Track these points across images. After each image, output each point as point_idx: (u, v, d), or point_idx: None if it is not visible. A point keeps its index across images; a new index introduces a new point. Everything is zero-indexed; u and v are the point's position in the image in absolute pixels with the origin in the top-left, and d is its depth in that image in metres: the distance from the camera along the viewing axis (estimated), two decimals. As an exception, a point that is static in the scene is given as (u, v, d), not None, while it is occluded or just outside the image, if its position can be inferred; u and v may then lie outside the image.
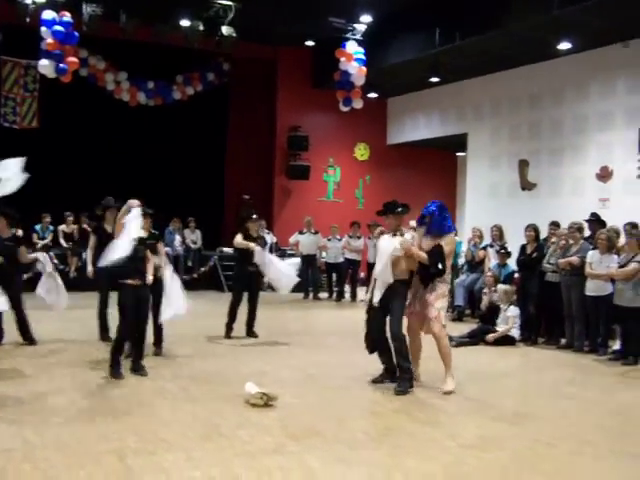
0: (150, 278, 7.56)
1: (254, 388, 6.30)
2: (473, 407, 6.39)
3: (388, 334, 6.92)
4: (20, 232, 13.15)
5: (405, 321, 6.98)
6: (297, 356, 8.59)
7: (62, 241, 15.10)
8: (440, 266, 6.74)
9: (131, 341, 7.37)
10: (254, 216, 10.21)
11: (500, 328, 9.91)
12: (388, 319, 6.87)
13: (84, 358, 7.97)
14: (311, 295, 15.44)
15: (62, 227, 15.20)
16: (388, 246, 6.83)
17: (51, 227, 14.99)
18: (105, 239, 7.95)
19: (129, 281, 7.16)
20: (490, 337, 9.79)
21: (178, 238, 16.42)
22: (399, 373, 6.88)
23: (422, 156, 19.10)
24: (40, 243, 14.38)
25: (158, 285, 8.18)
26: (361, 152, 19.10)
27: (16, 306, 8.73)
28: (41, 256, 9.16)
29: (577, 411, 6.42)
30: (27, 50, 13.83)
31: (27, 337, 8.84)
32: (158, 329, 8.38)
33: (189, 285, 15.62)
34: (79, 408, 5.92)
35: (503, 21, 12.28)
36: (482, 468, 4.77)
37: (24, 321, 8.87)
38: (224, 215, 18.30)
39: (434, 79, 16.08)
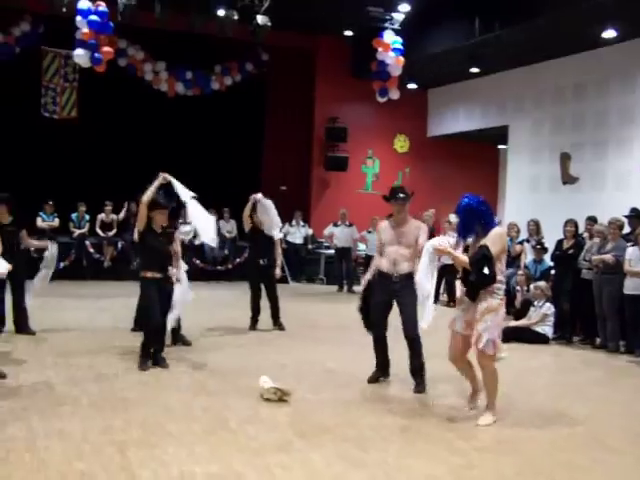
0: (174, 271, 7.52)
1: (268, 382, 6.18)
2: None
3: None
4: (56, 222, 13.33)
5: (448, 342, 5.86)
6: (320, 350, 8.44)
7: (99, 230, 15.19)
8: (486, 271, 5.32)
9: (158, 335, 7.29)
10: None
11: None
12: (401, 315, 6.64)
13: (106, 347, 7.96)
14: (345, 288, 15.27)
15: (101, 216, 15.29)
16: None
17: (87, 216, 15.09)
18: None
19: (149, 274, 7.10)
20: (512, 324, 9.57)
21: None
22: (418, 372, 6.66)
23: (463, 149, 18.71)
24: (46, 228, 14.13)
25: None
26: (401, 144, 18.84)
27: (17, 294, 8.61)
28: (51, 246, 8.94)
29: (603, 415, 6.12)
30: (67, 41, 13.91)
31: (22, 328, 8.60)
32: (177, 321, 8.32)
33: (224, 275, 15.75)
34: (90, 398, 5.87)
35: (545, 9, 11.88)
36: (492, 473, 4.57)
37: (22, 312, 8.65)
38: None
39: (474, 70, 15.74)
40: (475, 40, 13.46)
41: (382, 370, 6.94)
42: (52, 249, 8.89)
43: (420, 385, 6.59)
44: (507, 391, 6.75)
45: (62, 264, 14.34)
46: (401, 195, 6.63)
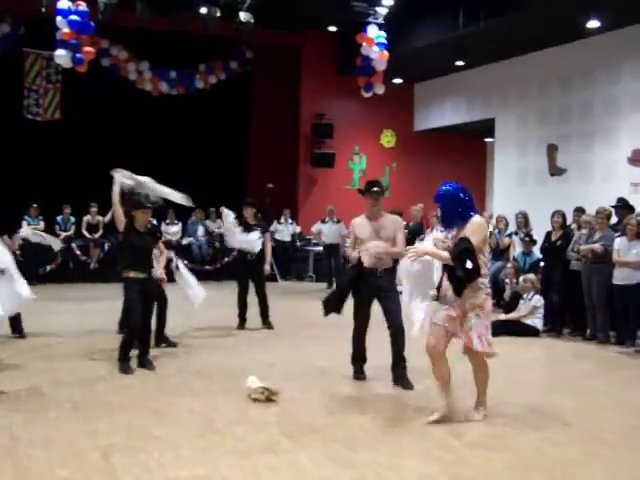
0: (159, 272, 7.42)
1: (256, 382, 6.09)
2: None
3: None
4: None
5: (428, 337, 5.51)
6: (310, 349, 8.37)
7: (85, 232, 15.06)
8: (470, 265, 5.06)
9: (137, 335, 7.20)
10: (246, 201, 10.09)
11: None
12: (385, 310, 6.62)
13: (92, 350, 7.85)
14: (334, 285, 15.17)
15: (86, 218, 15.15)
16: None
17: (73, 218, 14.96)
18: None
19: (132, 274, 7.00)
20: (502, 317, 9.54)
21: (202, 229, 16.33)
22: (402, 366, 6.60)
23: (450, 142, 18.67)
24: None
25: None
26: (387, 139, 18.78)
27: None
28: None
29: (595, 407, 6.05)
30: (49, 42, 13.76)
31: (18, 329, 8.58)
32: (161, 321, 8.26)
33: (212, 275, 15.61)
34: (75, 403, 5.76)
35: (528, 0, 11.83)
36: (485, 469, 4.49)
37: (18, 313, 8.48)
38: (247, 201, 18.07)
39: (459, 63, 15.67)
40: (459, 33, 13.40)
41: (362, 359, 6.89)
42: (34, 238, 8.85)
43: (401, 377, 6.54)
44: (498, 385, 6.69)
45: (48, 267, 14.29)
46: (375, 189, 6.67)
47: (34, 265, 13.11)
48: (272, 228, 15.78)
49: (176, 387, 6.38)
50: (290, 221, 16.90)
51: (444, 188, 5.43)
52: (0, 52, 15.06)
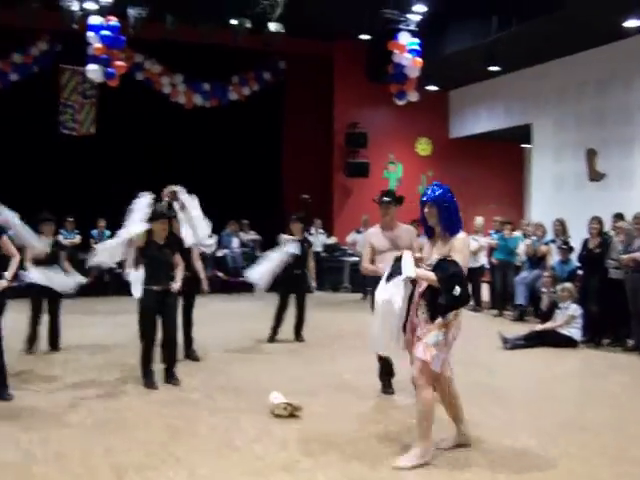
0: (177, 285, 7.29)
1: (279, 398, 5.96)
2: (516, 418, 5.87)
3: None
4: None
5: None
6: (339, 362, 8.19)
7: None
8: (457, 292, 4.52)
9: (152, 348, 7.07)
10: (293, 216, 9.92)
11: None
12: None
13: (119, 364, 7.80)
14: (369, 296, 14.98)
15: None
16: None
17: (107, 232, 15.04)
18: None
19: (150, 286, 6.91)
20: (539, 327, 9.26)
21: (236, 240, 16.31)
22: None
23: (486, 149, 18.36)
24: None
25: (192, 289, 8.03)
26: (423, 147, 18.55)
27: (55, 311, 8.71)
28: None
29: (630, 424, 5.78)
30: (84, 57, 13.91)
31: (54, 345, 8.69)
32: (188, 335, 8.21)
33: (245, 287, 15.51)
34: (95, 419, 5.70)
35: (562, 2, 11.53)
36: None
37: (57, 328, 8.76)
38: (284, 215, 18.02)
39: (494, 68, 15.39)
40: (493, 38, 13.15)
41: (389, 374, 6.74)
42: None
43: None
44: (530, 399, 6.48)
45: (85, 280, 14.36)
46: (385, 199, 6.59)
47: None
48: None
49: (198, 403, 6.28)
50: (321, 231, 16.76)
51: (440, 190, 4.81)
52: (38, 69, 15.33)
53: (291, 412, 5.83)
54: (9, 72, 14.94)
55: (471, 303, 13.02)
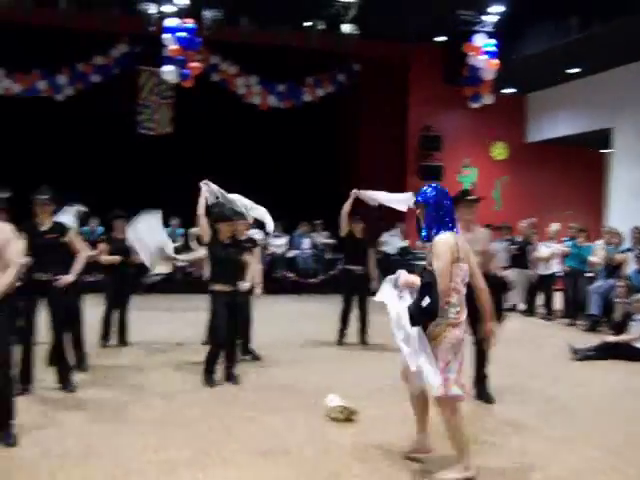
0: (245, 285, 7.37)
1: (335, 401, 5.92)
2: (579, 430, 5.67)
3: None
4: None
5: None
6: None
7: (192, 244, 15.34)
8: (426, 302, 4.35)
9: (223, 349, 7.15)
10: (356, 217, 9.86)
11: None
12: None
13: (182, 362, 7.91)
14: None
15: (194, 230, 15.44)
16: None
17: (180, 230, 15.30)
18: None
19: (217, 287, 6.99)
20: (611, 339, 8.92)
21: (307, 241, 16.36)
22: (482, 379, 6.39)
23: (564, 154, 17.80)
24: None
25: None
26: (498, 151, 18.15)
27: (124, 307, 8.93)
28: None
29: None
30: (161, 59, 14.22)
31: (123, 340, 8.92)
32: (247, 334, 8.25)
33: (315, 288, 15.56)
34: (153, 414, 5.80)
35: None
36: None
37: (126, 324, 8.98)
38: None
39: (573, 70, 14.96)
40: (572, 39, 12.76)
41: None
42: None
43: (484, 393, 6.37)
44: (600, 416, 6.23)
45: (156, 277, 14.69)
46: (473, 197, 6.38)
47: (141, 276, 13.48)
48: (383, 239, 15.92)
49: (255, 403, 6.29)
50: (401, 236, 16.59)
51: (434, 193, 4.60)
52: (118, 70, 15.75)
53: (347, 416, 5.78)
54: (90, 74, 15.39)
55: (543, 311, 12.73)
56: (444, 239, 4.48)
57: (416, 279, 4.63)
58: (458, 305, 4.48)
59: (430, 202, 4.57)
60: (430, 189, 4.64)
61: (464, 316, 4.53)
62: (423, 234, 4.63)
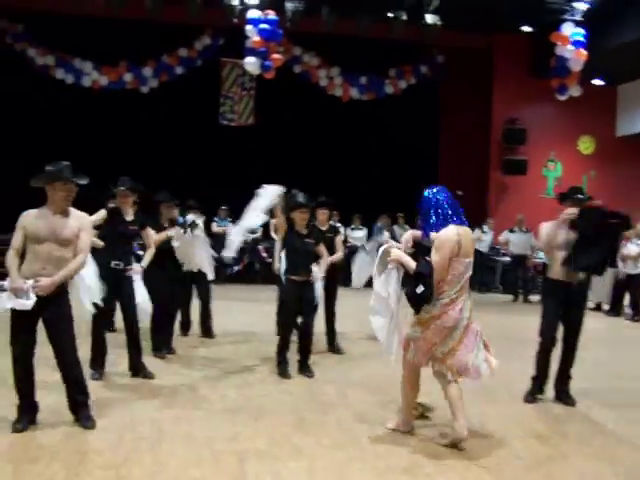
0: (319, 275, 7.30)
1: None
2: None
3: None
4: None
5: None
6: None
7: (273, 234, 15.41)
8: (420, 289, 4.75)
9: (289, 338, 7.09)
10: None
11: None
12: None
13: (259, 352, 7.93)
14: (521, 298, 14.45)
15: (274, 221, 15.49)
16: None
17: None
18: None
19: (292, 277, 6.96)
20: None
21: (386, 234, 16.19)
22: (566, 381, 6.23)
23: (658, 149, 17.15)
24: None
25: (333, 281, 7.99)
26: (585, 145, 17.57)
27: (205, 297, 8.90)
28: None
29: None
30: (244, 51, 14.34)
31: (207, 332, 8.87)
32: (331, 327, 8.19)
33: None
34: (225, 404, 5.81)
35: None
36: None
37: (209, 314, 8.93)
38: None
39: (668, 61, 14.33)
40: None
41: (540, 386, 6.35)
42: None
43: (564, 395, 6.22)
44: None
45: (235, 268, 14.86)
46: (580, 196, 6.20)
47: (222, 266, 13.61)
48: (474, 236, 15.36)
49: (330, 396, 6.24)
50: (487, 230, 16.18)
51: (430, 192, 5.06)
52: (201, 62, 15.98)
53: (422, 412, 5.67)
54: (175, 65, 15.66)
55: (629, 311, 12.23)
56: (445, 235, 4.79)
57: (408, 260, 4.89)
58: (454, 293, 4.80)
59: (425, 207, 4.97)
60: (429, 190, 5.03)
61: (461, 299, 4.83)
62: (425, 232, 4.99)
